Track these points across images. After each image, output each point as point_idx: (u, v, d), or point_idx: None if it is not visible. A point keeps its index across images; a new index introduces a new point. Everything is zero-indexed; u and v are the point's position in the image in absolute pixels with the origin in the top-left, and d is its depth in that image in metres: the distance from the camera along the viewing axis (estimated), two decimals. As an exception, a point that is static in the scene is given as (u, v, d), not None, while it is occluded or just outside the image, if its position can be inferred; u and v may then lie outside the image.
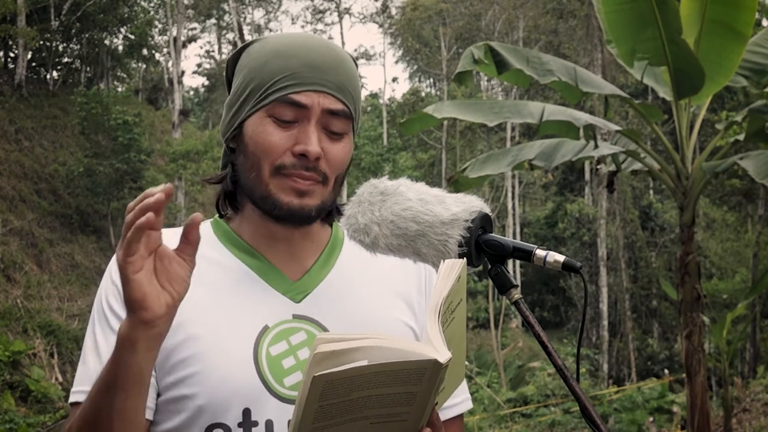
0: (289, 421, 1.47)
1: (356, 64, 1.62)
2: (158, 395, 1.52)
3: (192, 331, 1.50)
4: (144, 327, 1.31)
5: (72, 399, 1.53)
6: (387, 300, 1.62)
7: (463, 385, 1.66)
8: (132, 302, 1.30)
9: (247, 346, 1.49)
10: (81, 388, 1.52)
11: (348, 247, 1.65)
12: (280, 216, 1.53)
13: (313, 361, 1.19)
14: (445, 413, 1.62)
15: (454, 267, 1.33)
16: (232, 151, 1.59)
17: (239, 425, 1.47)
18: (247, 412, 1.48)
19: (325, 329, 1.55)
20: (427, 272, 1.68)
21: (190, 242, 1.34)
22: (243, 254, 1.59)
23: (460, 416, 1.69)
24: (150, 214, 1.28)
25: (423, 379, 1.25)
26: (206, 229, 1.63)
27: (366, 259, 1.60)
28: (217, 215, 1.66)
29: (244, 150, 1.54)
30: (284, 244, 1.58)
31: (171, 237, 1.61)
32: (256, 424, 1.48)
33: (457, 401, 1.67)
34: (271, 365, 1.50)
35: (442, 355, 1.22)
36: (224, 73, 1.65)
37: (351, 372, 1.21)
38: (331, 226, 1.66)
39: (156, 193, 1.30)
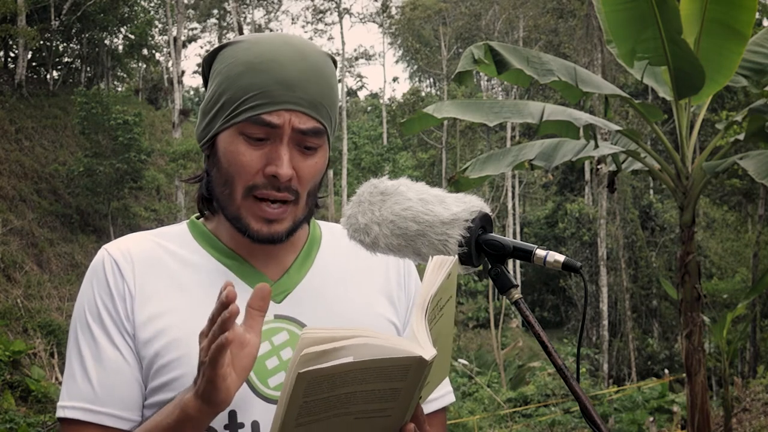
0: None
1: (334, 62, 1.60)
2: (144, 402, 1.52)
3: (174, 335, 1.49)
4: (215, 413, 1.36)
5: (64, 414, 1.51)
6: (368, 296, 1.62)
7: (446, 380, 1.66)
8: (215, 400, 1.33)
9: None
10: (74, 404, 1.50)
11: (326, 245, 1.65)
12: (250, 238, 1.54)
13: (299, 361, 1.19)
14: (427, 407, 1.62)
15: (444, 264, 1.32)
16: (208, 158, 1.59)
17: (225, 427, 1.47)
18: (232, 414, 1.48)
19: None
20: (406, 266, 1.68)
21: (255, 317, 1.36)
22: (221, 255, 1.58)
23: (443, 409, 1.69)
24: (229, 333, 1.28)
25: (408, 375, 1.25)
26: (183, 230, 1.63)
27: (345, 256, 1.62)
28: (194, 216, 1.66)
29: (218, 164, 1.54)
30: (262, 247, 1.58)
31: (168, 237, 1.62)
32: (242, 425, 1.48)
33: (440, 395, 1.67)
34: (255, 366, 1.50)
35: (427, 352, 1.22)
36: (201, 72, 1.63)
37: (336, 369, 1.20)
38: (309, 224, 1.66)
39: (228, 302, 1.28)
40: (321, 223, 1.70)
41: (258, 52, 1.52)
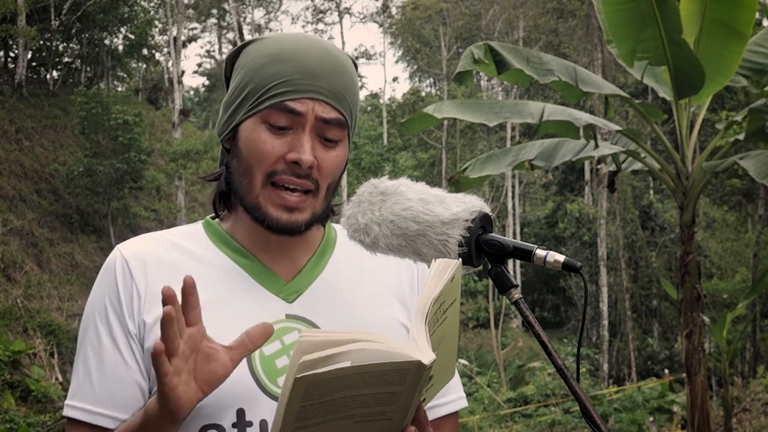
0: None
1: (355, 65, 1.62)
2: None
3: None
4: (174, 422, 1.35)
5: (71, 414, 1.52)
6: (380, 298, 1.62)
7: (458, 384, 1.66)
8: (167, 407, 1.32)
9: None
10: (74, 404, 1.51)
11: (340, 247, 1.65)
12: (269, 228, 1.53)
13: (297, 367, 1.19)
14: (437, 411, 1.62)
15: (447, 267, 1.32)
16: (228, 152, 1.59)
17: (233, 425, 1.47)
18: (241, 413, 1.47)
19: (317, 329, 1.54)
20: (419, 270, 1.68)
21: (243, 349, 1.35)
22: (235, 254, 1.58)
23: (454, 414, 1.68)
24: (157, 344, 1.28)
25: (407, 379, 1.25)
26: (197, 229, 1.63)
27: (358, 258, 1.60)
28: (209, 216, 1.67)
29: (238, 154, 1.54)
30: (277, 246, 1.58)
31: (182, 235, 1.62)
32: (250, 424, 1.47)
33: (450, 399, 1.66)
34: (265, 365, 1.50)
35: (426, 356, 1.22)
36: (223, 71, 1.65)
37: (334, 373, 1.20)
38: (324, 226, 1.66)
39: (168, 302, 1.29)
40: (335, 225, 1.70)
41: (282, 45, 1.54)
